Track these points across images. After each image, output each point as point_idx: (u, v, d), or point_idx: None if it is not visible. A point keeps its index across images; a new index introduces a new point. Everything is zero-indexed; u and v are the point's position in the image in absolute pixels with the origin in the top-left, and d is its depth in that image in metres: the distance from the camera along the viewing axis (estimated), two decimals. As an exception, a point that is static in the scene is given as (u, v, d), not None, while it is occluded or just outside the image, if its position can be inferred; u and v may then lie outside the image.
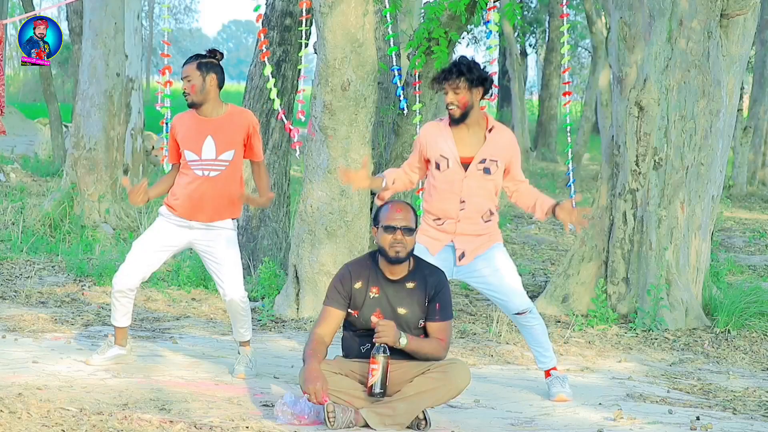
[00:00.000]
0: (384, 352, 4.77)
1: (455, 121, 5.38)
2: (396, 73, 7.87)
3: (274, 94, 7.88)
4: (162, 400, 5.07)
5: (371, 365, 4.79)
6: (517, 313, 5.51)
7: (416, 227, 4.94)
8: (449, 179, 5.40)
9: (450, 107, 5.35)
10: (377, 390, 4.78)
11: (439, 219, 5.46)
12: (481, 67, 5.41)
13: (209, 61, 5.66)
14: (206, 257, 5.76)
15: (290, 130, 7.47)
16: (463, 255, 5.45)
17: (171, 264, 9.25)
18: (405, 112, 8.02)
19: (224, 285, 5.72)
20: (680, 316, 7.94)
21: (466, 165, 5.38)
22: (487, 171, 5.39)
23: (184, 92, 5.65)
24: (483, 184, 5.41)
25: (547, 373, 5.67)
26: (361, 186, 5.61)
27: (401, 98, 7.92)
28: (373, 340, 4.79)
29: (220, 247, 5.71)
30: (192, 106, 5.66)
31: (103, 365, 5.77)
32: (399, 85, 7.89)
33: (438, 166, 5.42)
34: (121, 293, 5.69)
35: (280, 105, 8.22)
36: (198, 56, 5.70)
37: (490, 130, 5.42)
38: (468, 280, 5.53)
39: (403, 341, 4.82)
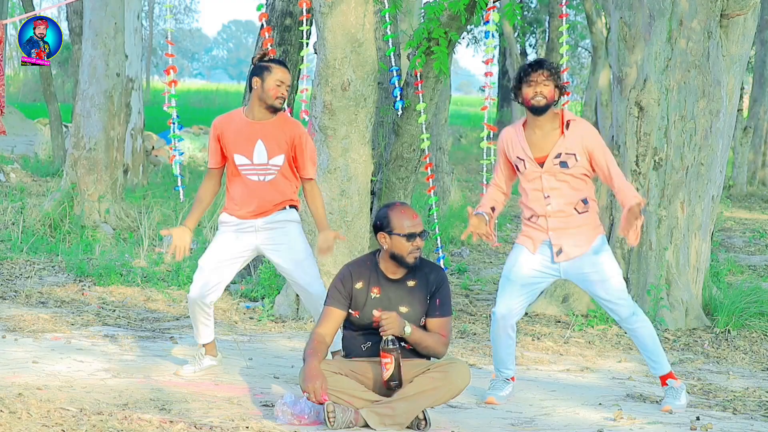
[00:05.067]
0: (393, 344, 4.80)
1: (537, 112, 5.36)
2: (395, 73, 7.87)
3: None
4: (162, 400, 5.07)
5: (383, 359, 4.81)
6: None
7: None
8: (529, 178, 5.44)
9: (536, 98, 5.33)
10: (393, 382, 4.81)
11: (532, 216, 5.48)
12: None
13: None
14: (276, 259, 5.61)
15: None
16: (560, 251, 5.41)
17: (171, 264, 9.25)
18: (399, 113, 8.01)
19: (302, 284, 5.58)
20: (680, 316, 7.94)
21: (542, 163, 5.39)
22: (563, 165, 5.37)
23: (278, 96, 5.66)
24: (562, 178, 5.39)
25: (663, 381, 5.51)
26: (481, 232, 5.48)
27: (397, 99, 7.91)
28: (380, 333, 4.81)
29: (288, 245, 5.58)
30: (277, 111, 5.68)
31: (197, 375, 5.70)
32: (397, 85, 7.88)
33: (518, 168, 5.48)
34: (196, 305, 5.58)
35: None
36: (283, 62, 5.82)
37: (567, 125, 5.41)
38: (575, 281, 5.46)
39: (408, 330, 4.85)
